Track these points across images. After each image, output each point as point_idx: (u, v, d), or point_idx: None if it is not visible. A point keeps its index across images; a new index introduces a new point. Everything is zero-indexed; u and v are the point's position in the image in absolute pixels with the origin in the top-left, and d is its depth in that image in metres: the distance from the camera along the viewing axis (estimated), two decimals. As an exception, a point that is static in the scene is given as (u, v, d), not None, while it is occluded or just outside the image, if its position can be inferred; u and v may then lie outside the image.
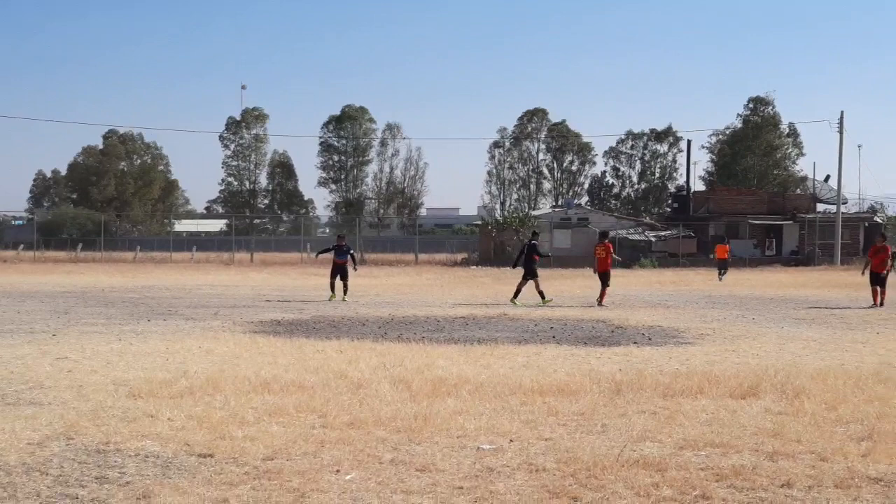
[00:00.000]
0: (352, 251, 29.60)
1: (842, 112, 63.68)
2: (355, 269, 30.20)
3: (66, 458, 7.85)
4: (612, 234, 63.65)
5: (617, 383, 11.58)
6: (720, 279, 43.29)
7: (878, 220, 70.04)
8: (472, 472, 7.48)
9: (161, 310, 23.70)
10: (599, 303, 26.48)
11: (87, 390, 10.94)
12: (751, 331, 19.14)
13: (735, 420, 9.54)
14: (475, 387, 11.18)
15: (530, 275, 27.32)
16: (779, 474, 7.46)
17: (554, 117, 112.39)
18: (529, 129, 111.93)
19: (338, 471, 7.46)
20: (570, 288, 35.29)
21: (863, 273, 28.22)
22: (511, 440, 8.57)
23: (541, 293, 26.90)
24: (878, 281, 26.57)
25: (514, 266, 29.02)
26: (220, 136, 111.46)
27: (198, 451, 8.06)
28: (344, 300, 27.33)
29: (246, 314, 22.57)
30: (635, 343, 16.82)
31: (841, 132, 63.02)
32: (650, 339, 17.48)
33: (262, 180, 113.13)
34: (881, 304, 26.02)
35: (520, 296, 27.04)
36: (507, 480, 7.28)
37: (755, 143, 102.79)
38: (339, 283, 28.26)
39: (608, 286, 27.27)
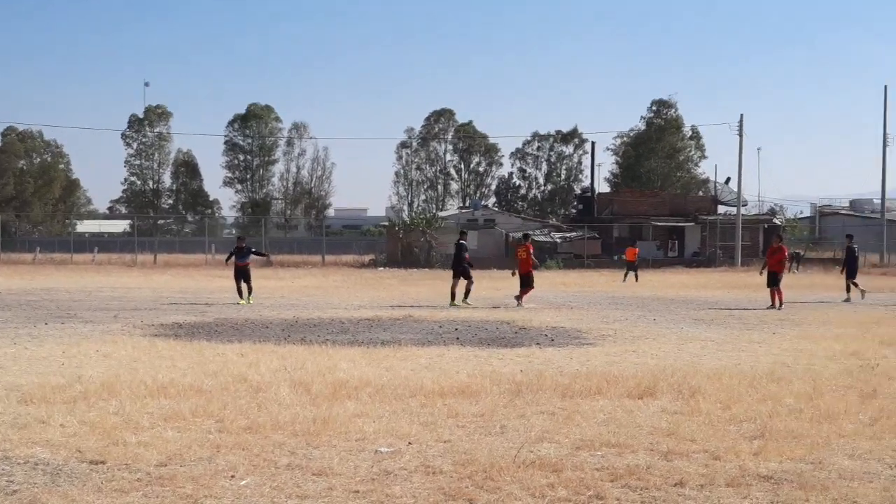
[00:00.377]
0: (253, 250, 29.33)
1: (741, 115, 65.10)
2: (266, 255, 29.64)
3: (-48, 466, 7.64)
4: (517, 234, 64.26)
5: (517, 384, 11.64)
6: (625, 280, 43.74)
7: (777, 221, 71.59)
8: (368, 476, 7.45)
9: (59, 313, 23.22)
10: (519, 302, 26.78)
11: (-23, 396, 10.66)
12: (651, 331, 19.41)
13: (632, 420, 9.66)
14: (376, 389, 11.15)
15: (461, 274, 27.53)
16: (672, 473, 7.56)
17: (461, 118, 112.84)
18: (436, 129, 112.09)
19: (232, 476, 7.37)
20: (475, 289, 35.37)
21: (760, 273, 28.83)
22: (409, 443, 8.56)
23: (453, 294, 27.17)
24: (774, 281, 27.10)
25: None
26: (123, 135, 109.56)
27: (89, 457, 7.89)
28: (249, 302, 27.04)
29: (147, 317, 22.22)
30: (538, 344, 16.94)
31: (741, 135, 64.32)
32: (553, 340, 17.62)
33: (167, 180, 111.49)
34: (780, 305, 26.51)
35: (469, 296, 27.26)
36: (403, 483, 7.26)
37: (658, 145, 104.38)
38: (244, 285, 27.92)
39: (531, 287, 27.58)
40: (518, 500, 6.88)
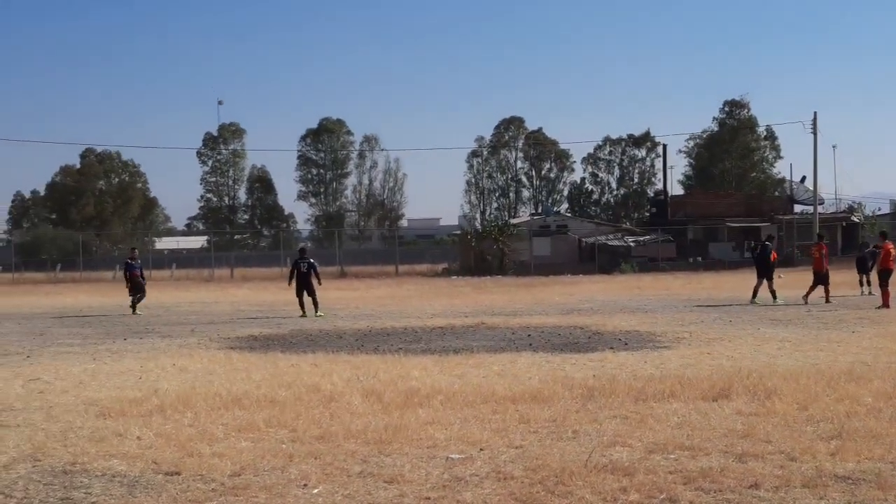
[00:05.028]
0: (312, 262, 28.07)
1: (815, 113, 63.92)
2: (319, 283, 28.02)
3: (32, 479, 7.79)
4: (590, 240, 63.93)
5: (590, 389, 11.57)
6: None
7: (855, 219, 70.28)
8: (440, 482, 7.46)
9: (138, 328, 23.59)
10: (826, 300, 27.84)
11: (57, 411, 10.87)
12: (727, 333, 19.16)
13: (706, 422, 9.55)
14: (447, 397, 11.16)
15: (764, 274, 28.81)
16: (747, 475, 7.46)
17: (531, 125, 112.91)
18: (507, 137, 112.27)
19: (305, 485, 7.43)
20: (549, 295, 35.33)
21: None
22: (481, 449, 8.55)
23: (773, 292, 28.40)
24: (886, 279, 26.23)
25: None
26: (198, 153, 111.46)
27: (165, 469, 8.01)
28: (318, 315, 26.46)
29: (223, 330, 22.49)
30: (611, 348, 16.81)
31: (815, 133, 63.25)
32: (626, 344, 17.49)
33: (242, 195, 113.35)
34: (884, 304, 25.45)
35: (757, 296, 28.54)
36: (474, 489, 7.25)
37: (732, 145, 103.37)
38: (308, 299, 27.08)
39: (828, 284, 28.44)
40: (589, 504, 6.84)
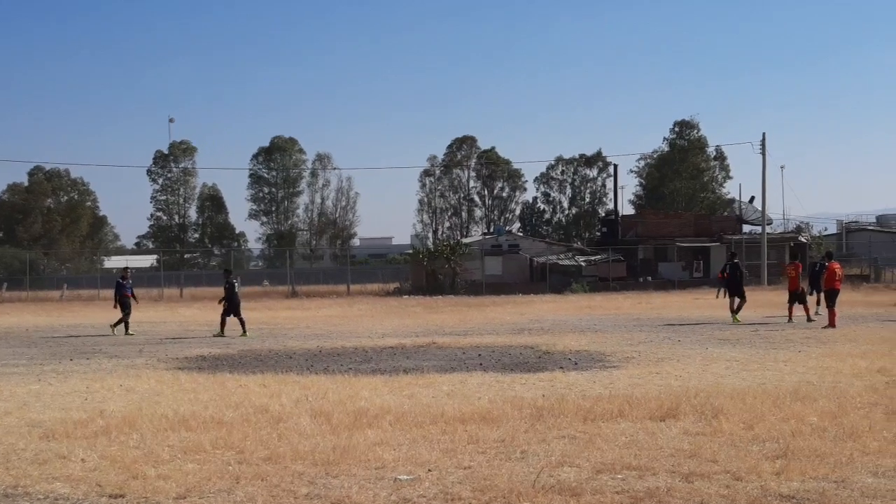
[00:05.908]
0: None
1: (763, 134, 64.77)
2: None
3: (-28, 503, 7.67)
4: (542, 259, 64.14)
5: (539, 409, 11.59)
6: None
7: (803, 239, 71.12)
8: (387, 504, 7.43)
9: (85, 349, 23.32)
10: (809, 317, 28.14)
11: (-1, 433, 10.71)
12: (676, 353, 19.30)
13: (653, 442, 9.59)
14: (396, 417, 11.13)
15: (737, 293, 29.15)
16: (693, 495, 7.50)
17: (483, 144, 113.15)
18: (459, 156, 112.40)
19: (251, 507, 7.37)
20: (500, 315, 35.38)
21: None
22: (429, 470, 8.53)
23: (735, 311, 28.94)
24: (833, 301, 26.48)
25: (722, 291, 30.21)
26: (148, 171, 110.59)
27: (109, 491, 7.91)
28: (244, 336, 26.57)
29: (171, 350, 22.30)
30: (561, 368, 16.86)
31: (763, 154, 64.03)
32: (576, 364, 17.54)
33: (192, 214, 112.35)
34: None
35: (739, 313, 29.01)
36: (422, 511, 7.23)
37: (682, 166, 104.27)
38: (233, 319, 27.70)
39: (804, 303, 28.82)
40: (537, 525, 6.84)
